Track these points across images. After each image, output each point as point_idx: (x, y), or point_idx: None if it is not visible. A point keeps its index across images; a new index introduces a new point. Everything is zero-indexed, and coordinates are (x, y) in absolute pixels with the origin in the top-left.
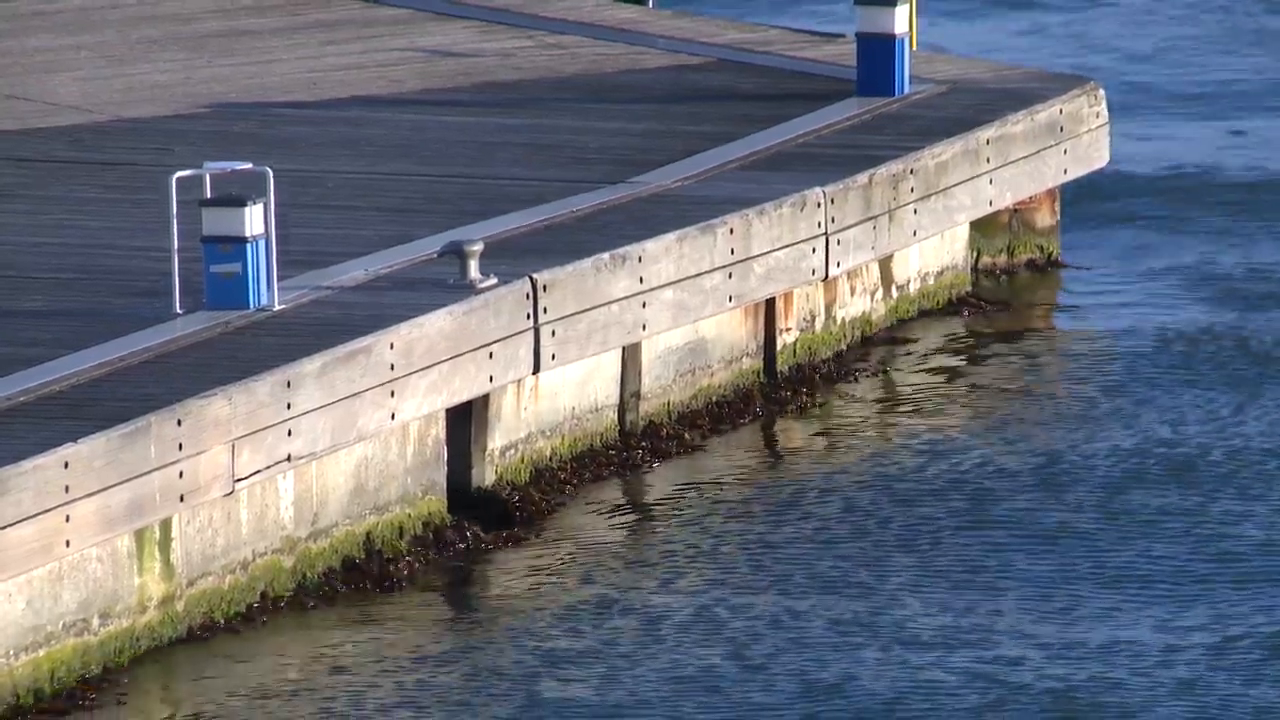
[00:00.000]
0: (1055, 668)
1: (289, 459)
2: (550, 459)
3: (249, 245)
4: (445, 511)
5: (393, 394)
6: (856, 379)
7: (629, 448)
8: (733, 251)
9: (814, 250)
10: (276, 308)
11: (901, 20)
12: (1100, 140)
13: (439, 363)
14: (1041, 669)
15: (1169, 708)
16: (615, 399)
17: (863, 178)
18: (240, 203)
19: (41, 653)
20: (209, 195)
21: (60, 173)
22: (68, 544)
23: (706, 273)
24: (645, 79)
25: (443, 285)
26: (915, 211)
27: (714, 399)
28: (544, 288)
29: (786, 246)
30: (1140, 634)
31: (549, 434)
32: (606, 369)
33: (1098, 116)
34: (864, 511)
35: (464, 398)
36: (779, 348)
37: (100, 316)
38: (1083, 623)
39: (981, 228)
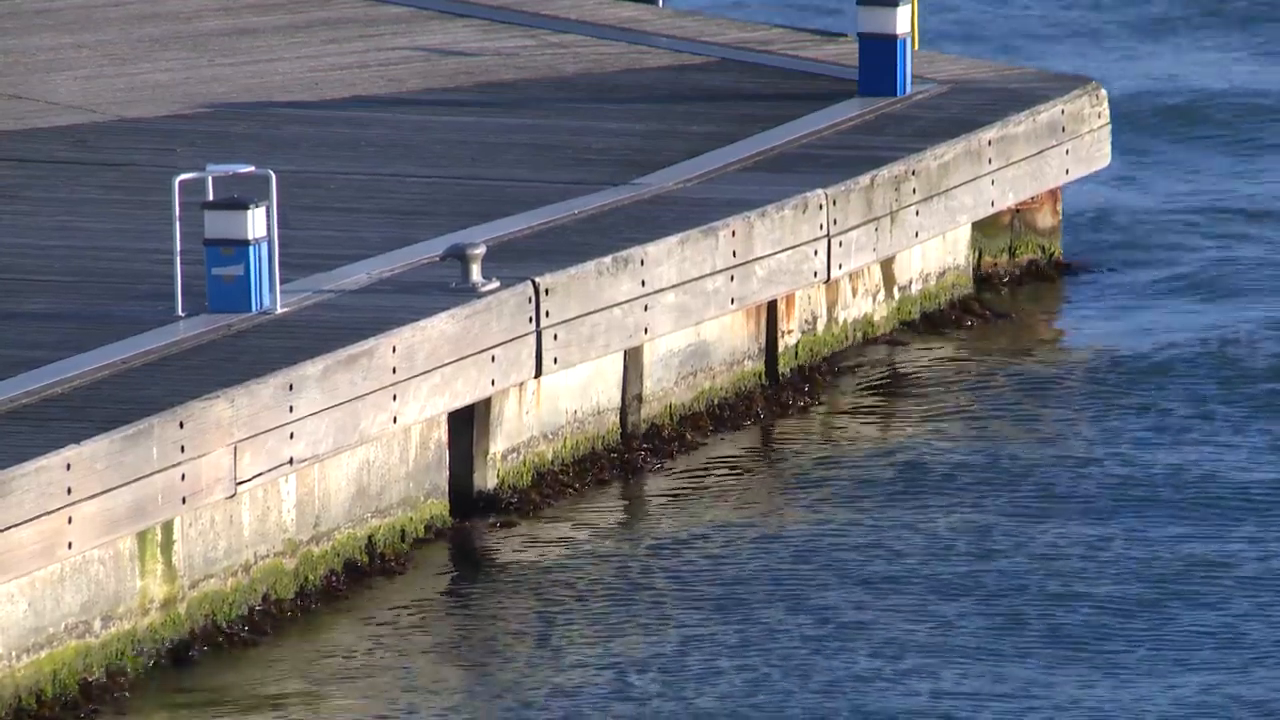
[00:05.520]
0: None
1: (291, 462)
2: (552, 462)
3: (251, 248)
4: (447, 514)
5: (395, 397)
6: (858, 381)
7: (631, 450)
8: (734, 254)
9: (816, 252)
10: (278, 310)
11: (903, 20)
12: (1102, 140)
13: (441, 366)
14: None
15: None
16: (617, 402)
17: (864, 179)
18: (242, 206)
19: (43, 654)
20: (211, 198)
21: (62, 173)
22: (70, 546)
23: (708, 275)
24: (647, 79)
25: (445, 288)
26: (917, 213)
27: (716, 401)
28: (546, 291)
29: (788, 249)
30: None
31: (551, 437)
32: (608, 372)
33: (1099, 116)
34: (865, 515)
35: (466, 401)
36: (780, 349)
37: (102, 319)
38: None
39: (983, 228)
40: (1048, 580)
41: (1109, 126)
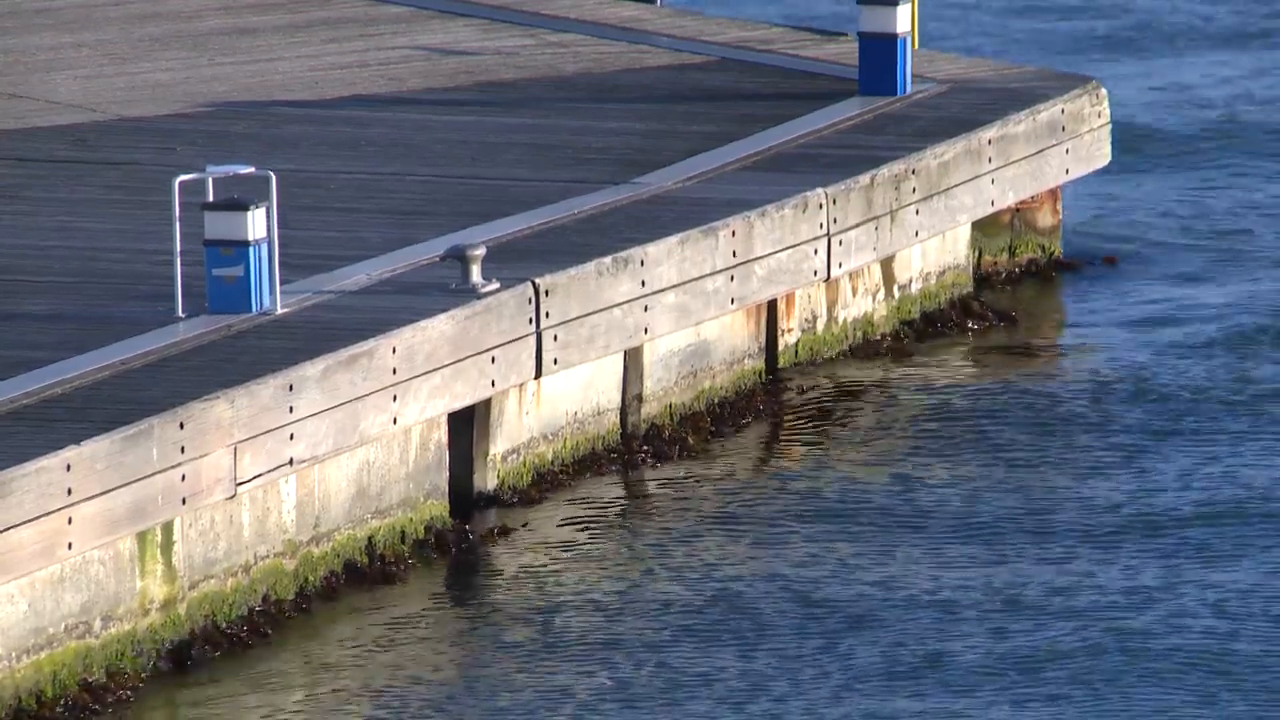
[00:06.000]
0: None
1: (291, 462)
2: (552, 462)
3: (251, 249)
4: (447, 515)
5: (395, 398)
6: (858, 379)
7: (631, 450)
8: (734, 254)
9: (816, 251)
10: (278, 311)
11: (903, 20)
12: (1102, 139)
13: (441, 367)
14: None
15: None
16: (617, 402)
17: (864, 178)
18: (242, 206)
19: (43, 655)
20: (211, 198)
21: (62, 172)
22: (70, 546)
23: (708, 275)
24: (647, 78)
25: (445, 289)
26: (917, 212)
27: (716, 400)
28: (546, 292)
29: (788, 248)
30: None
31: (551, 438)
32: (608, 372)
33: (1100, 116)
34: (865, 514)
35: (466, 402)
36: (781, 348)
37: (102, 319)
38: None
39: (983, 227)
40: (1055, 575)
41: (1109, 126)
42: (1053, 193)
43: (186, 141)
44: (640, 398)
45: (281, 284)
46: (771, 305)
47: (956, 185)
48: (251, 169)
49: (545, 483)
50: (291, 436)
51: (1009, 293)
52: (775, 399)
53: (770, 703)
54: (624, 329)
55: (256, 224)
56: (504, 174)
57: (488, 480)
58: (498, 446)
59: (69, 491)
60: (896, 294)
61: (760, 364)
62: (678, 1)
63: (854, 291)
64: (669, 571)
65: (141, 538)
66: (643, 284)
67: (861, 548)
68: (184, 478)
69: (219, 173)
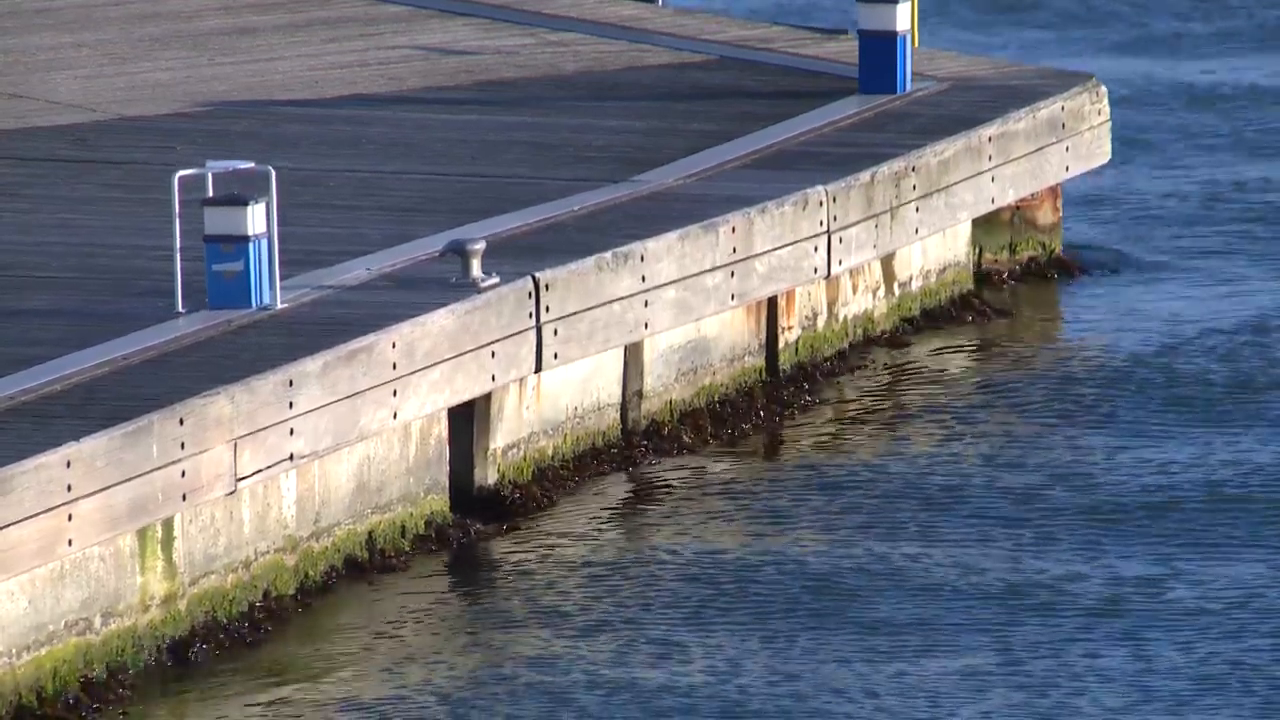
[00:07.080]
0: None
1: (291, 458)
2: (552, 458)
3: (251, 244)
4: (447, 510)
5: (395, 393)
6: (859, 378)
7: (631, 447)
8: (734, 250)
9: (816, 249)
10: (278, 307)
11: (903, 18)
12: (1102, 137)
13: (441, 362)
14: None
15: None
16: (617, 398)
17: (865, 176)
18: (242, 202)
19: (43, 652)
20: (211, 194)
21: (62, 171)
22: (70, 543)
23: (708, 271)
24: (647, 77)
25: (445, 284)
26: (917, 209)
27: (716, 398)
28: (546, 287)
29: (788, 245)
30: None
31: (551, 433)
32: (608, 368)
33: (1099, 114)
34: (865, 513)
35: (466, 397)
36: (781, 346)
37: (102, 316)
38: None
39: (983, 225)
40: (1056, 576)
41: (1109, 123)
42: (1053, 190)
43: (186, 141)
44: (640, 394)
45: (281, 280)
46: (772, 302)
47: (957, 183)
48: (251, 164)
49: (546, 478)
50: (292, 432)
51: (1009, 289)
52: (775, 396)
53: (774, 686)
54: (624, 324)
55: (256, 219)
56: (504, 172)
57: (488, 475)
58: (498, 441)
59: (69, 488)
60: (897, 291)
61: (760, 361)
62: (678, 1)
63: (854, 289)
64: (669, 567)
65: (142, 534)
66: (643, 279)
67: (863, 540)
68: (184, 474)
69: (219, 168)
